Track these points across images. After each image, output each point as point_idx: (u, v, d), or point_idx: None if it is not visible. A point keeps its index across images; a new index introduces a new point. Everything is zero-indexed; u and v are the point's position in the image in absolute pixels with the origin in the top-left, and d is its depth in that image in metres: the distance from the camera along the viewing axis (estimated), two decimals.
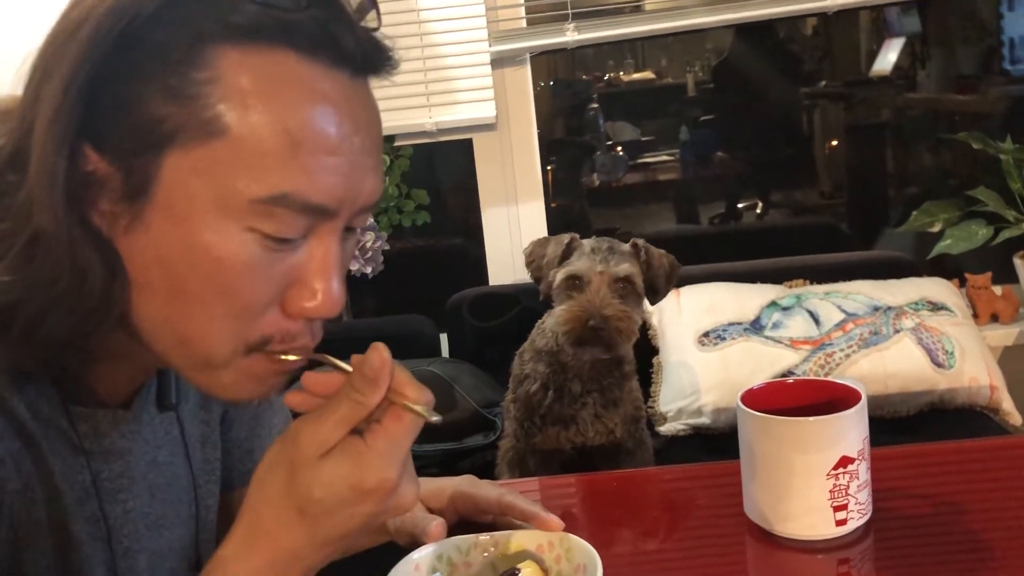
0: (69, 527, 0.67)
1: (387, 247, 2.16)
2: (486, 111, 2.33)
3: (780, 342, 1.95)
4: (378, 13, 0.64)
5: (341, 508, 0.60)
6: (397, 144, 2.33)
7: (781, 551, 0.85)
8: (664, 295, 1.58)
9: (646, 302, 1.56)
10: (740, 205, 3.10)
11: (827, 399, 0.87)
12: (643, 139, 3.09)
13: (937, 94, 2.92)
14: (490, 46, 2.30)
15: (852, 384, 0.88)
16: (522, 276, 2.24)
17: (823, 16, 2.66)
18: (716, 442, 1.91)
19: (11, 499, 0.62)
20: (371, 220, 2.13)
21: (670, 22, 2.31)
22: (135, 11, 0.57)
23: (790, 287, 2.10)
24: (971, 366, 1.93)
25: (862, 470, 0.84)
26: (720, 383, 1.92)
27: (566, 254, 1.53)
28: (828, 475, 0.82)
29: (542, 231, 2.45)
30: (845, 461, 0.82)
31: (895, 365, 1.91)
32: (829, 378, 0.95)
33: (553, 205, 2.72)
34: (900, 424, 1.92)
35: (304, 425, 0.61)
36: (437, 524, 0.80)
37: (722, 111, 3.06)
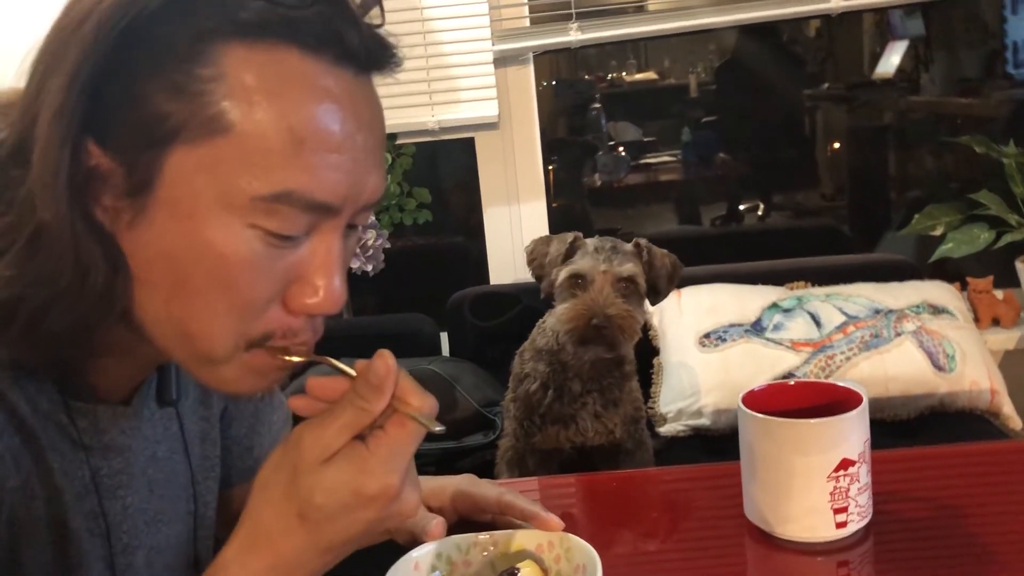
0: (68, 523, 0.66)
1: (388, 245, 2.16)
2: (488, 110, 2.33)
3: (781, 344, 1.95)
4: (382, 9, 0.64)
5: (343, 514, 0.60)
6: (399, 142, 2.33)
7: (781, 553, 0.85)
8: (666, 295, 1.58)
9: (647, 302, 1.56)
10: (742, 207, 3.10)
11: (828, 401, 0.87)
12: (645, 140, 3.09)
13: (940, 97, 2.92)
14: (493, 45, 2.30)
15: (853, 387, 0.88)
16: (523, 275, 2.24)
17: (826, 18, 2.65)
18: (716, 443, 1.91)
19: (10, 495, 0.62)
20: (372, 218, 2.13)
21: (673, 23, 2.31)
22: (140, 6, 0.56)
23: (791, 289, 2.10)
24: (972, 370, 1.92)
25: (863, 473, 0.84)
26: (720, 384, 1.92)
27: (569, 253, 1.53)
28: (829, 477, 0.82)
29: (543, 231, 2.44)
30: (846, 463, 0.82)
31: (896, 368, 1.91)
32: (830, 380, 0.95)
33: (554, 205, 2.72)
34: (900, 427, 1.91)
35: (307, 430, 0.61)
36: (437, 523, 0.81)
37: (724, 112, 3.06)
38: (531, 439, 1.63)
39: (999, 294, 2.36)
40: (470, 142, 2.43)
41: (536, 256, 1.59)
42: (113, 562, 0.71)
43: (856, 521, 0.84)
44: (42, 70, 0.59)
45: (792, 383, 0.92)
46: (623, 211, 3.13)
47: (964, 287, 2.36)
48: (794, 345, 1.94)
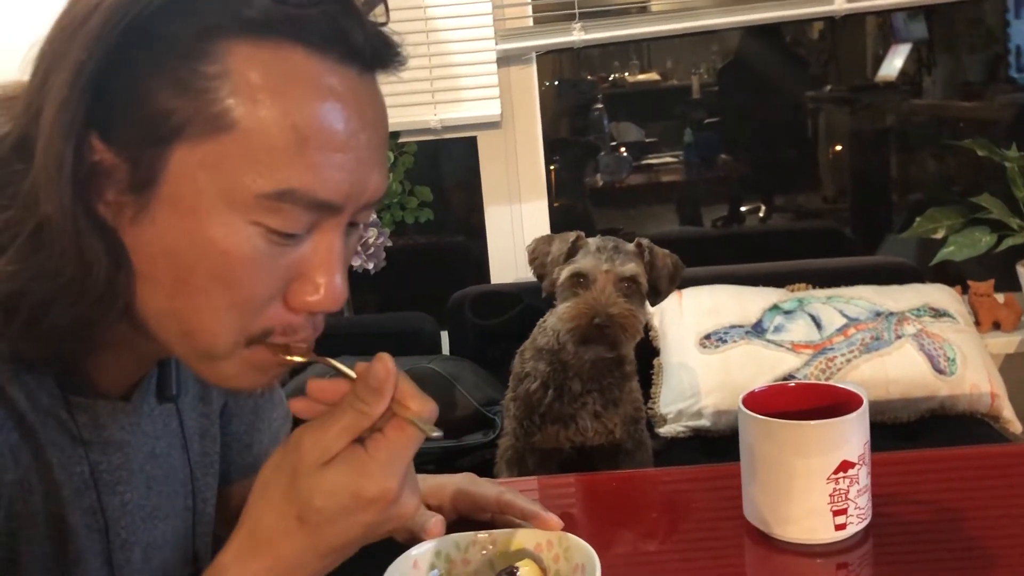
0: (67, 518, 0.66)
1: (390, 244, 2.16)
2: (491, 109, 2.33)
3: (781, 345, 1.95)
4: (386, 7, 0.64)
5: (342, 517, 0.60)
6: (401, 141, 2.33)
7: (780, 554, 0.85)
8: (667, 296, 1.58)
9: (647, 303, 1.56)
10: (743, 208, 3.11)
11: (828, 403, 0.87)
12: (647, 140, 3.10)
13: (942, 100, 2.92)
14: (496, 44, 2.30)
15: (854, 389, 0.88)
16: (524, 275, 2.24)
17: (830, 20, 2.65)
18: (715, 445, 1.91)
19: (8, 490, 0.62)
20: (374, 216, 2.13)
21: (676, 23, 2.31)
22: (145, 2, 0.56)
23: (792, 291, 2.10)
24: (972, 373, 1.92)
25: (862, 475, 0.84)
26: (721, 385, 1.92)
27: (571, 252, 1.53)
28: (828, 479, 0.82)
29: (545, 230, 2.44)
30: (846, 465, 0.82)
31: (896, 371, 1.91)
32: (830, 382, 0.95)
33: (556, 204, 2.72)
34: (900, 430, 1.92)
35: (307, 433, 0.61)
36: (436, 521, 0.81)
37: (727, 114, 3.06)
38: (531, 438, 1.63)
39: (1000, 298, 2.36)
40: (472, 141, 2.43)
41: (538, 255, 1.58)
42: (111, 558, 0.71)
43: (855, 523, 0.84)
44: (46, 64, 0.59)
45: (792, 385, 0.92)
46: (624, 211, 3.13)
47: (965, 290, 2.36)
48: (795, 347, 1.94)
